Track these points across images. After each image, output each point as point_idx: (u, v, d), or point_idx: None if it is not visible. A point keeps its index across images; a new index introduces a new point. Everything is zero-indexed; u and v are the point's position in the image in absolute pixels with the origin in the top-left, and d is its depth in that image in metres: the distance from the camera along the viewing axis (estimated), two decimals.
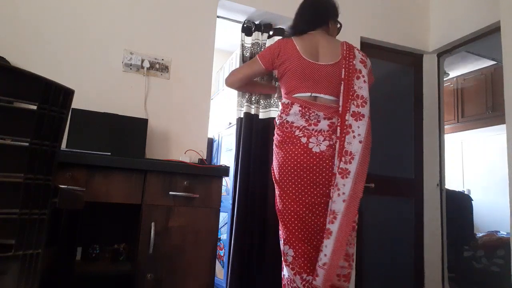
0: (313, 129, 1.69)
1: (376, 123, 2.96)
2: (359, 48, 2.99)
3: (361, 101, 1.69)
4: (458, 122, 4.59)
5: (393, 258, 2.96)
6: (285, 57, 1.77)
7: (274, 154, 1.81)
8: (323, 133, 1.69)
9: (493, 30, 2.64)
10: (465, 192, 4.61)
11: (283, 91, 1.84)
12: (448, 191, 3.22)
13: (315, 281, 1.58)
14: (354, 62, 1.74)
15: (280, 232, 1.73)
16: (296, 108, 1.72)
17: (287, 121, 1.73)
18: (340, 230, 1.57)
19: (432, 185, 3.07)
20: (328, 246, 1.57)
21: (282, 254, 1.72)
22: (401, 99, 3.19)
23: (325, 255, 1.57)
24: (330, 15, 1.93)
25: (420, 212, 3.05)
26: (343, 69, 1.72)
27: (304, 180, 1.68)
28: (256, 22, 2.82)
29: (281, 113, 1.78)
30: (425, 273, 2.97)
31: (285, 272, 1.70)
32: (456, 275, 3.40)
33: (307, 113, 1.70)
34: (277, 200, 1.76)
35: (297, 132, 1.70)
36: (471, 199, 4.14)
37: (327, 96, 1.73)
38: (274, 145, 1.81)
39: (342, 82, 1.71)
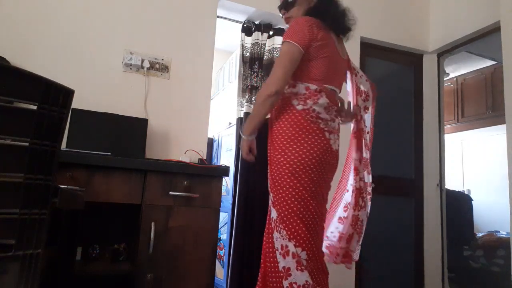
0: (332, 126, 1.60)
1: (376, 123, 2.98)
2: (360, 48, 3.03)
3: (365, 95, 1.88)
4: (458, 122, 4.59)
5: (393, 258, 2.96)
6: (324, 41, 1.56)
7: (285, 141, 1.55)
8: (337, 131, 1.65)
9: (493, 30, 2.64)
10: (465, 192, 4.60)
11: (307, 75, 1.57)
12: (448, 191, 3.22)
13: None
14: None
15: (285, 232, 1.46)
16: (324, 99, 1.55)
17: (314, 110, 1.53)
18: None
19: (432, 185, 3.07)
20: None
21: (294, 259, 1.44)
22: (401, 99, 3.19)
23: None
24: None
25: (420, 212, 3.05)
26: (348, 67, 1.81)
27: (321, 178, 1.54)
28: (256, 22, 2.82)
29: (306, 98, 1.54)
30: (425, 273, 2.97)
31: (300, 278, 1.42)
32: (456, 275, 3.40)
33: (330, 108, 1.58)
34: (286, 193, 1.50)
35: (322, 125, 1.54)
36: (471, 199, 4.14)
37: (338, 92, 1.68)
38: (287, 130, 1.55)
39: (350, 79, 1.82)
